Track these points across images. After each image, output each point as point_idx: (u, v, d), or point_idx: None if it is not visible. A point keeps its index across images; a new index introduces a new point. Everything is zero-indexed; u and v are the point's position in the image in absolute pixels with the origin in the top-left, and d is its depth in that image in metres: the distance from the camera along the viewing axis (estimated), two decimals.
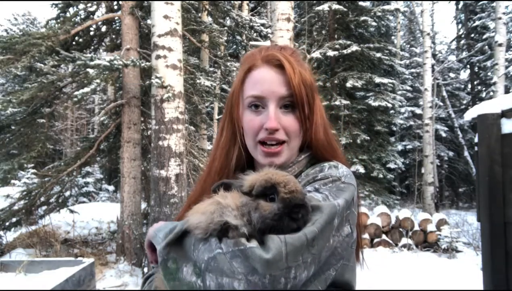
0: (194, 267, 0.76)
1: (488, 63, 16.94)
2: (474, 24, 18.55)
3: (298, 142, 0.95)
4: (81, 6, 7.11)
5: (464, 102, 19.99)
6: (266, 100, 0.91)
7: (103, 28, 7.72)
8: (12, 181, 6.66)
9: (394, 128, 16.61)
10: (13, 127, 6.49)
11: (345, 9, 11.47)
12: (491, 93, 12.36)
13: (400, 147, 16.61)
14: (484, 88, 19.54)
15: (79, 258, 4.55)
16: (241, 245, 0.72)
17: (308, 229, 0.74)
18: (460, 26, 20.92)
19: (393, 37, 18.25)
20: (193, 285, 0.75)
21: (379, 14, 12.07)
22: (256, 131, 0.93)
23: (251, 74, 0.94)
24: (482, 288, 2.32)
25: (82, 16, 7.18)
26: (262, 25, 10.20)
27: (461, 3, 19.97)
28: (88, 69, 5.16)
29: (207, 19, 9.36)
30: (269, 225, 0.74)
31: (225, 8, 8.92)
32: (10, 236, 6.45)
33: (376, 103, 11.49)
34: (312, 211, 0.77)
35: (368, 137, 11.41)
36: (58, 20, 7.13)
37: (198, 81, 6.86)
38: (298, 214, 0.75)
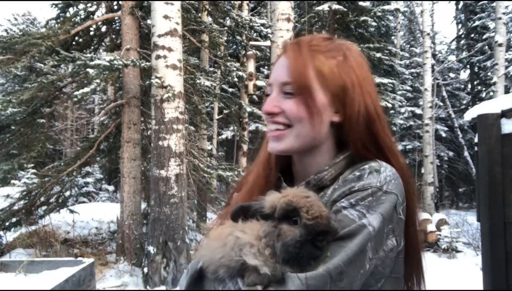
0: None
1: (488, 63, 16.94)
2: (474, 24, 18.55)
3: (309, 131, 0.85)
4: (81, 6, 7.11)
5: (464, 102, 20.00)
6: (272, 87, 0.88)
7: (103, 28, 7.72)
8: (12, 181, 6.66)
9: (394, 129, 16.61)
10: (13, 127, 6.49)
11: (345, 9, 11.46)
12: (491, 93, 12.36)
13: (400, 147, 16.61)
14: (484, 88, 19.54)
15: (79, 258, 4.55)
16: None
17: (333, 263, 0.68)
18: (460, 26, 20.93)
19: (393, 37, 18.23)
20: None
21: (379, 14, 12.05)
22: (265, 116, 0.90)
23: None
24: (482, 288, 2.32)
25: (82, 16, 7.18)
26: (262, 25, 10.21)
27: (461, 3, 19.98)
28: (88, 69, 5.16)
29: (207, 19, 9.36)
30: (292, 254, 0.70)
31: (225, 8, 8.92)
32: (10, 236, 6.45)
33: None
34: (342, 239, 0.71)
35: None
36: (58, 20, 7.13)
37: (198, 81, 6.86)
38: (322, 241, 0.70)
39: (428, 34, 11.82)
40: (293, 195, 0.73)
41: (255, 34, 10.01)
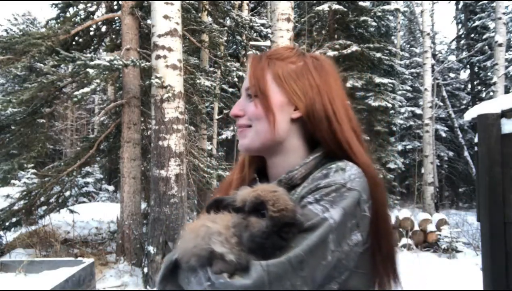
0: None
1: (488, 63, 16.94)
2: (474, 24, 18.55)
3: (266, 127, 0.92)
4: (81, 6, 7.11)
5: (464, 102, 20.00)
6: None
7: (103, 28, 7.72)
8: (12, 181, 6.66)
9: (394, 128, 16.60)
10: (13, 127, 6.49)
11: (345, 9, 11.46)
12: (491, 93, 12.37)
13: (400, 147, 16.62)
14: (484, 88, 19.54)
15: (79, 258, 4.55)
16: (221, 278, 0.73)
17: (294, 252, 0.73)
18: (460, 26, 20.92)
19: (393, 37, 18.23)
20: None
21: (379, 14, 12.05)
22: None
23: None
24: (482, 288, 2.32)
25: (82, 16, 7.18)
26: (262, 25, 10.21)
27: (461, 3, 19.98)
28: (88, 69, 5.16)
29: (207, 19, 9.35)
30: (258, 244, 0.74)
31: (225, 8, 8.92)
32: (10, 236, 6.45)
33: (376, 103, 11.49)
34: (305, 231, 0.76)
35: (368, 138, 11.40)
36: (58, 20, 7.13)
37: (198, 81, 6.86)
38: (288, 233, 0.74)
39: (428, 34, 11.82)
40: (262, 189, 0.78)
41: (255, 34, 10.00)
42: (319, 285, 0.76)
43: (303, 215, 0.78)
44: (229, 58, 8.57)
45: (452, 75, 20.68)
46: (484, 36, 17.39)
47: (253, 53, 8.35)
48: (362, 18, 11.67)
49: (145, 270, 5.16)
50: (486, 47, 17.29)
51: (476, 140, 2.40)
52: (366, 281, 0.86)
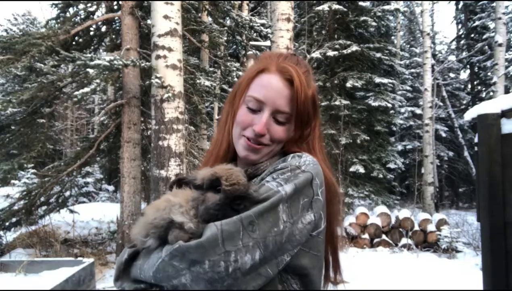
0: (150, 285, 0.83)
1: (488, 63, 16.92)
2: (474, 24, 18.53)
3: (279, 147, 1.02)
4: (81, 6, 7.10)
5: (464, 102, 19.98)
6: (263, 106, 0.98)
7: (103, 28, 7.72)
8: (12, 181, 6.66)
9: (394, 128, 16.59)
10: (13, 127, 6.48)
11: (345, 9, 11.45)
12: (491, 93, 12.36)
13: (400, 147, 16.60)
14: (484, 88, 19.52)
15: (79, 258, 4.55)
16: (175, 244, 0.77)
17: (245, 214, 0.79)
18: (460, 26, 20.91)
19: (393, 37, 18.21)
20: None
21: (379, 14, 12.04)
22: (244, 126, 1.00)
23: (262, 76, 1.01)
24: (482, 288, 2.32)
25: (82, 16, 7.18)
26: (262, 25, 10.19)
27: (461, 3, 19.95)
28: (88, 69, 5.16)
29: (207, 19, 9.35)
30: (212, 215, 0.80)
31: (225, 8, 8.91)
32: (10, 236, 6.44)
33: (376, 103, 11.48)
34: (259, 202, 0.82)
35: (368, 137, 11.39)
36: (58, 20, 7.13)
37: (198, 81, 6.85)
38: (240, 205, 0.80)
39: (428, 34, 11.82)
40: (219, 168, 0.86)
41: (255, 34, 9.99)
42: (272, 254, 0.80)
43: (257, 191, 0.84)
44: (229, 58, 8.57)
45: (452, 75, 20.64)
46: (484, 36, 17.37)
47: (253, 53, 8.36)
48: (362, 18, 11.66)
49: None
50: (486, 47, 17.26)
51: (476, 140, 2.40)
52: (316, 263, 0.92)
